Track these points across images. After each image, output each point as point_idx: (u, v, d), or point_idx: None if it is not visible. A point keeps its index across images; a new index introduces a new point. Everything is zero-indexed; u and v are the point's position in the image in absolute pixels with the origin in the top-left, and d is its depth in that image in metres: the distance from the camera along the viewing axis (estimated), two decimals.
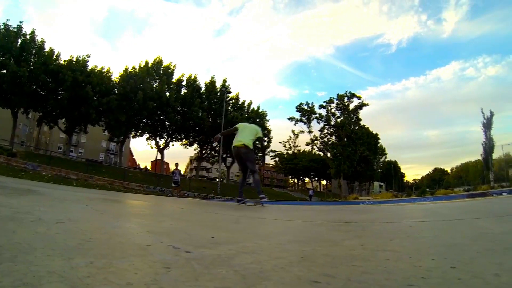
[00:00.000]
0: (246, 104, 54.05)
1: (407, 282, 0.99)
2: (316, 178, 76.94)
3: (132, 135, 50.07)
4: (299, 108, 57.50)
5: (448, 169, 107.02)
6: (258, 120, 52.57)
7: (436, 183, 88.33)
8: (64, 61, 40.36)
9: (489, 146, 35.66)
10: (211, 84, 50.89)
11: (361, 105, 53.48)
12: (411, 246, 1.71)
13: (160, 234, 2.07)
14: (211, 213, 4.95)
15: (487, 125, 35.43)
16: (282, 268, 1.18)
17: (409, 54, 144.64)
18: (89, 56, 42.22)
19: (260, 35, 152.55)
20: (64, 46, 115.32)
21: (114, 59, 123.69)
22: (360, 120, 55.24)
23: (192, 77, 49.76)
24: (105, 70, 43.78)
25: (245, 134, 7.55)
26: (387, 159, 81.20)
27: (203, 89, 50.39)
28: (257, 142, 8.54)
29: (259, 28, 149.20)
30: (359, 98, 52.98)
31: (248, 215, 4.72)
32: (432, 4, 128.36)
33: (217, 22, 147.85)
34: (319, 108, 56.29)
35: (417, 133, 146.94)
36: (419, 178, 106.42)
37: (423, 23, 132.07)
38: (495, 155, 39.31)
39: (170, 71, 47.43)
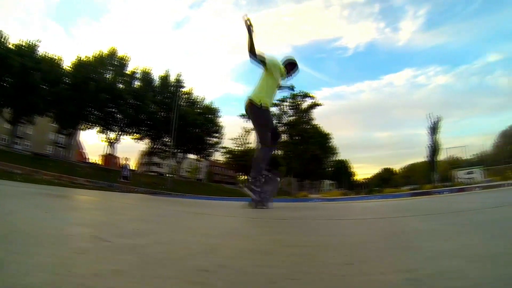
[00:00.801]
0: (199, 100, 55.72)
1: (290, 277, 1.04)
2: None
3: (82, 128, 49.53)
4: None
5: (396, 169, 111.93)
6: (209, 116, 54.61)
7: (385, 182, 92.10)
8: (13, 45, 38.63)
9: (434, 149, 37.83)
10: (165, 78, 51.81)
11: (314, 105, 55.77)
12: (323, 242, 1.81)
13: (89, 226, 2.23)
14: (152, 208, 5.25)
15: (434, 130, 38.18)
16: (182, 258, 1.30)
17: (365, 59, 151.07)
18: (39, 42, 41.15)
19: (220, 30, 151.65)
20: (14, 28, 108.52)
21: (67, 46, 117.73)
22: (312, 119, 58.26)
23: (147, 70, 50.13)
24: (56, 57, 42.58)
25: (258, 83, 5.53)
26: (339, 158, 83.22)
27: (157, 83, 51.10)
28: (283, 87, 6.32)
29: (220, 23, 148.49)
30: (312, 97, 55.33)
31: (189, 210, 5.04)
32: (391, 13, 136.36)
33: (177, 14, 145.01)
34: (271, 106, 56.85)
35: (369, 134, 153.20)
36: (369, 177, 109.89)
37: (381, 30, 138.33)
38: (440, 157, 41.80)
39: (124, 62, 47.47)
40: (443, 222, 2.61)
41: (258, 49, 5.21)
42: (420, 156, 49.13)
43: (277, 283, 0.96)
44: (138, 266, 1.11)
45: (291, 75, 5.92)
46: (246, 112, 5.64)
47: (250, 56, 5.20)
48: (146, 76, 49.54)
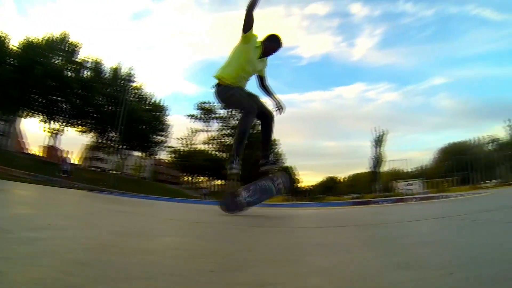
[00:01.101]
0: (148, 96, 54.83)
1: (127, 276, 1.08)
2: (211, 177, 77.26)
3: (23, 115, 46.39)
4: (200, 106, 61.35)
5: (341, 178, 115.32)
6: (157, 113, 54.13)
7: (329, 190, 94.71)
8: None
9: (377, 161, 39.31)
10: (116, 70, 50.32)
11: None
12: (197, 246, 1.89)
13: (2, 219, 2.26)
14: (83, 205, 5.31)
15: (378, 142, 39.59)
16: (69, 251, 1.40)
17: (318, 69, 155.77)
18: None
19: (179, 27, 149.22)
20: None
21: (18, 24, 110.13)
22: (260, 125, 57.03)
23: (98, 60, 48.45)
24: (3, 34, 39.97)
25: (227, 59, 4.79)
26: (284, 164, 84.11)
27: (107, 74, 49.53)
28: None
29: (180, 20, 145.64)
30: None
31: (118, 208, 5.07)
32: (348, 29, 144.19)
33: (138, 5, 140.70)
34: (220, 109, 59.54)
35: (316, 142, 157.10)
36: (314, 184, 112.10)
37: (337, 43, 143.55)
38: (383, 169, 43.51)
39: (75, 49, 45.47)
40: (351, 235, 2.60)
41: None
42: (364, 166, 50.88)
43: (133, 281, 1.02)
44: (26, 256, 1.21)
45: (269, 54, 4.86)
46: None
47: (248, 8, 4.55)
48: (97, 66, 47.72)
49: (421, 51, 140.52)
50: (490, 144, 48.74)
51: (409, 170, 66.90)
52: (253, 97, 4.79)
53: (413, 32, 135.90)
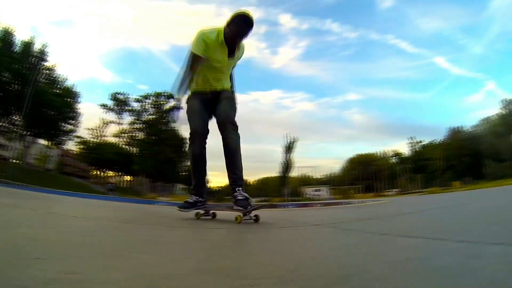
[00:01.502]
0: (60, 79, 50.37)
1: None
2: (120, 173, 73.62)
3: None
4: (113, 97, 58.38)
5: (251, 180, 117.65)
6: (68, 99, 50.47)
7: None
8: None
9: (287, 166, 40.63)
10: (28, 45, 44.44)
11: (176, 107, 54.71)
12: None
13: None
14: None
15: (289, 148, 40.83)
16: None
17: (238, 72, 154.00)
18: None
19: (102, 8, 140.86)
20: None
21: None
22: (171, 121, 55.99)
23: (9, 29, 42.39)
24: None
25: None
26: None
27: (17, 48, 43.59)
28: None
29: (104, 0, 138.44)
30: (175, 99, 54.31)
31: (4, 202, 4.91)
32: (274, 38, 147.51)
33: None
34: (134, 102, 58.11)
35: None
36: (223, 185, 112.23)
37: (261, 50, 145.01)
38: (292, 174, 45.07)
39: None
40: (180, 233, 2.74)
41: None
42: (275, 171, 52.51)
43: None
44: None
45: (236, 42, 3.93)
46: None
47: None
48: (6, 37, 41.64)
49: (340, 67, 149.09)
50: (394, 157, 52.98)
51: (319, 176, 70.63)
52: (202, 113, 4.08)
53: (335, 49, 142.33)
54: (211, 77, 4.07)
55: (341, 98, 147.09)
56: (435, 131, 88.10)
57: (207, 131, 4.09)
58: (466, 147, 56.68)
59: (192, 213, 4.10)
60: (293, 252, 1.78)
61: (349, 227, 3.09)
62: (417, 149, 40.03)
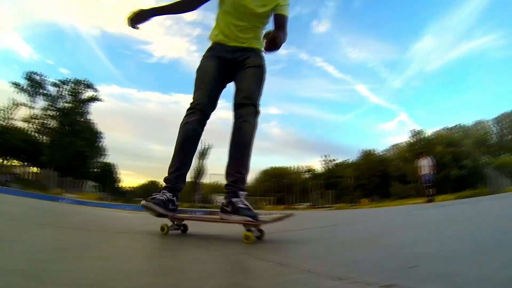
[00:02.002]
0: None
1: None
2: (26, 163, 65.84)
3: None
4: (29, 76, 52.39)
5: (163, 183, 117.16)
6: None
7: (150, 193, 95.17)
8: None
9: (199, 172, 40.75)
10: None
11: (94, 98, 52.78)
12: None
13: None
14: None
15: (203, 154, 40.73)
16: None
17: (164, 72, 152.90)
18: None
19: None
20: None
21: None
22: (88, 113, 55.84)
23: None
24: None
25: None
26: (107, 160, 79.71)
27: None
28: None
29: None
30: (95, 90, 53.10)
31: None
32: (205, 41, 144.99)
33: None
34: (51, 85, 53.37)
35: (144, 143, 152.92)
36: (135, 186, 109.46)
37: (190, 52, 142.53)
38: (204, 181, 45.38)
39: None
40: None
41: None
42: (188, 176, 52.02)
43: None
44: None
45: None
46: None
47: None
48: None
49: (266, 80, 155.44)
50: (307, 172, 55.04)
51: None
52: (215, 80, 3.11)
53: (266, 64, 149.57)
54: (233, 25, 3.08)
55: (263, 110, 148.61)
56: (349, 152, 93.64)
57: (214, 107, 3.19)
58: (376, 168, 60.64)
59: (154, 221, 3.06)
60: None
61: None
62: (330, 167, 41.89)
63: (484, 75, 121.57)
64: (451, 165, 66.00)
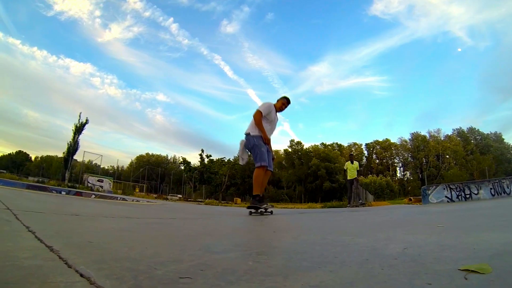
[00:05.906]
0: None
1: None
2: None
3: None
4: None
5: (33, 156, 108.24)
6: None
7: (17, 167, 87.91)
8: None
9: (73, 148, 39.37)
10: None
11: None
12: None
13: None
14: None
15: (79, 129, 39.29)
16: None
17: (60, 30, 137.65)
18: None
19: None
20: None
21: None
22: None
23: None
24: None
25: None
26: None
27: None
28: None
29: None
30: None
31: None
32: (112, 11, 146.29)
33: None
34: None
35: (17, 107, 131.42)
36: (1, 155, 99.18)
37: (93, 17, 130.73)
38: (78, 158, 43.58)
39: None
40: None
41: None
42: (61, 150, 48.95)
43: None
44: None
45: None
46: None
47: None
48: None
49: (161, 66, 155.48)
50: (182, 164, 56.89)
51: (106, 167, 70.10)
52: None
53: (163, 47, 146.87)
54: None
55: (150, 95, 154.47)
56: (227, 151, 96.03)
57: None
58: (250, 170, 63.16)
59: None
60: None
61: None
62: (206, 162, 44.45)
63: (364, 107, 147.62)
64: (325, 178, 73.86)
